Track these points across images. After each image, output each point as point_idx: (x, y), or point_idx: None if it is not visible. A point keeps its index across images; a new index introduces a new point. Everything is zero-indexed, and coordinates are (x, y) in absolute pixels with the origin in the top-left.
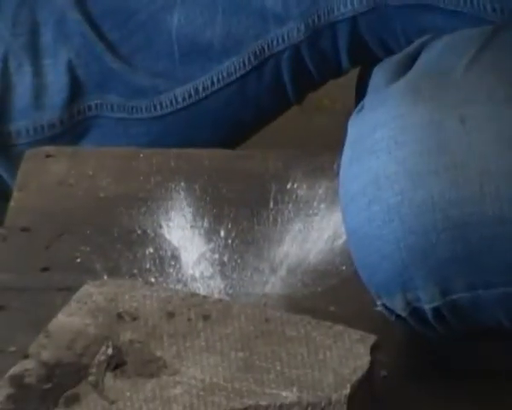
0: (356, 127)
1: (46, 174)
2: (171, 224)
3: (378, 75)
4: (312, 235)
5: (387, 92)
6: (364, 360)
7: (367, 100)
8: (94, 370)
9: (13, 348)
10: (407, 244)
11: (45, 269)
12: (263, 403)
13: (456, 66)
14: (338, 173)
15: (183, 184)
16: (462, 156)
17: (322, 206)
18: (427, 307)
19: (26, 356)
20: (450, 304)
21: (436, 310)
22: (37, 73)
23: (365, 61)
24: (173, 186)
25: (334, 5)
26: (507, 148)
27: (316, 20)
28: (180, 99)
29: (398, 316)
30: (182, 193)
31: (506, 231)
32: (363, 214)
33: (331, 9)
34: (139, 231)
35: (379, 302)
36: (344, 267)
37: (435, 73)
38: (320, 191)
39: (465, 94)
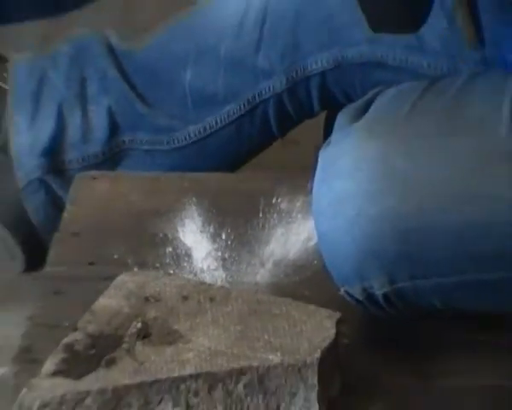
0: (325, 157)
1: (92, 192)
2: (185, 229)
3: (342, 118)
4: (292, 238)
5: (349, 131)
6: (331, 332)
7: (333, 136)
8: (127, 339)
9: (66, 324)
10: (363, 247)
11: (91, 263)
12: (254, 364)
13: (402, 109)
14: (311, 191)
15: (194, 199)
16: (406, 179)
17: (299, 216)
18: (378, 293)
19: (75, 329)
20: (396, 291)
21: (386, 296)
22: (85, 116)
23: (332, 106)
24: (187, 201)
25: (308, 63)
26: (445, 173)
27: (294, 74)
28: (192, 135)
29: (357, 300)
30: (193, 206)
31: (437, 236)
32: (329, 224)
33: (305, 66)
34: (161, 235)
35: (342, 289)
36: (316, 262)
37: (385, 115)
38: (297, 204)
39: (409, 130)
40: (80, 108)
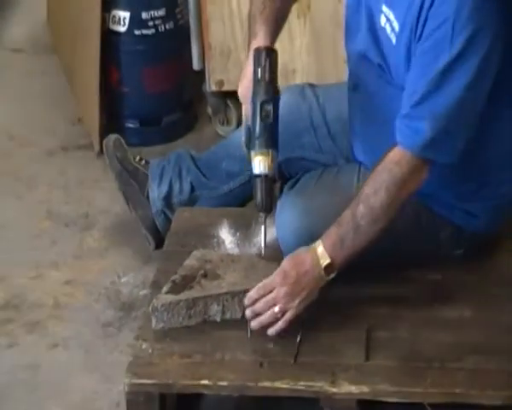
0: (279, 204)
1: (183, 217)
2: (222, 235)
3: (286, 187)
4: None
5: (287, 194)
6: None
7: (282, 195)
8: (197, 278)
9: (174, 277)
10: (290, 241)
11: (183, 245)
12: (249, 287)
13: (311, 183)
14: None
15: (225, 220)
16: (309, 214)
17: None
18: None
19: (175, 273)
20: None
21: None
22: (181, 185)
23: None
24: (223, 221)
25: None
26: (326, 210)
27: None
28: (226, 190)
29: None
30: (226, 223)
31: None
32: (281, 228)
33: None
34: (212, 235)
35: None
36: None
37: (303, 187)
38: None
39: (313, 194)
40: (179, 181)
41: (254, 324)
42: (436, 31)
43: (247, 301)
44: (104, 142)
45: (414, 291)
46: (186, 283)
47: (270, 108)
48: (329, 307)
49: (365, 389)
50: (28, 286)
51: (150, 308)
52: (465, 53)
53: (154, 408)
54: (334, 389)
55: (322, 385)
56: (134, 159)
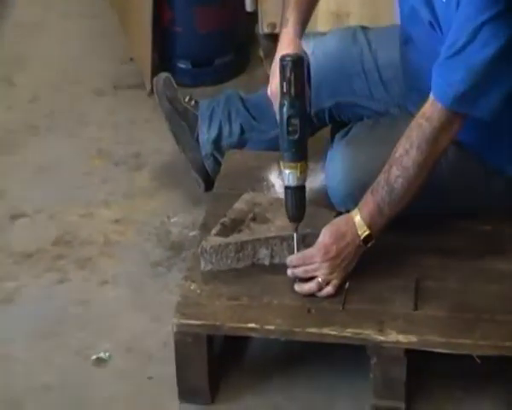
0: (330, 152)
1: (232, 158)
2: (272, 179)
3: (337, 136)
4: (316, 181)
5: (339, 143)
6: (332, 216)
7: (333, 144)
8: (246, 222)
9: (223, 220)
10: (344, 188)
11: (231, 189)
12: (300, 233)
13: (363, 133)
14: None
15: (275, 164)
16: (361, 164)
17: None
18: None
19: (224, 216)
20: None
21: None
22: (230, 127)
23: (335, 123)
24: (273, 165)
25: (323, 103)
26: (377, 161)
27: (317, 108)
28: (273, 134)
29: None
30: (276, 166)
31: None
32: (332, 177)
33: (322, 105)
34: (262, 178)
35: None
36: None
37: (355, 137)
38: (319, 166)
39: (366, 143)
40: (228, 124)
41: (298, 288)
42: None
43: (288, 261)
44: (154, 80)
45: (465, 242)
46: (235, 225)
47: (296, 122)
48: (378, 255)
49: (413, 338)
50: (79, 223)
51: (199, 250)
52: (509, 12)
53: (201, 349)
54: (382, 338)
55: (369, 333)
56: (184, 99)
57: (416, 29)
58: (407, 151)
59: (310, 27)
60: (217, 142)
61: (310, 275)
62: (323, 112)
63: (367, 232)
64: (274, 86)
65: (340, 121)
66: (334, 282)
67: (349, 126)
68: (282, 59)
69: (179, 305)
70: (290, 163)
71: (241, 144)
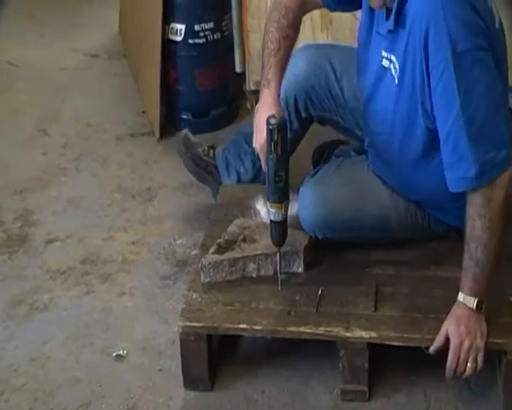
0: (302, 189)
1: (227, 194)
2: (257, 206)
3: (306, 177)
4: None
5: (308, 181)
6: (307, 238)
7: (304, 181)
8: (238, 242)
9: (219, 241)
10: (312, 221)
11: (226, 215)
12: (281, 251)
13: (328, 175)
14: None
15: (260, 195)
16: (328, 201)
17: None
18: (320, 237)
19: (219, 238)
20: (328, 237)
21: (324, 238)
22: (242, 165)
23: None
24: (258, 195)
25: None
26: (344, 199)
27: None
28: None
29: (317, 238)
30: (261, 196)
31: (338, 220)
32: (302, 211)
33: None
34: (252, 209)
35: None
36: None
37: (321, 177)
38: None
39: (331, 183)
40: (242, 165)
41: (451, 375)
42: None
43: (448, 372)
44: (176, 145)
45: (414, 256)
46: (229, 245)
47: (282, 173)
48: (345, 268)
49: (374, 334)
50: (102, 246)
51: (199, 265)
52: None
53: (202, 346)
54: (349, 334)
55: (338, 331)
56: (203, 153)
57: (372, 111)
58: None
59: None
60: (238, 183)
61: (465, 361)
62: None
63: (475, 301)
64: (260, 141)
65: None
66: (481, 355)
67: (317, 169)
68: (269, 123)
69: (184, 310)
70: (277, 204)
71: (257, 175)
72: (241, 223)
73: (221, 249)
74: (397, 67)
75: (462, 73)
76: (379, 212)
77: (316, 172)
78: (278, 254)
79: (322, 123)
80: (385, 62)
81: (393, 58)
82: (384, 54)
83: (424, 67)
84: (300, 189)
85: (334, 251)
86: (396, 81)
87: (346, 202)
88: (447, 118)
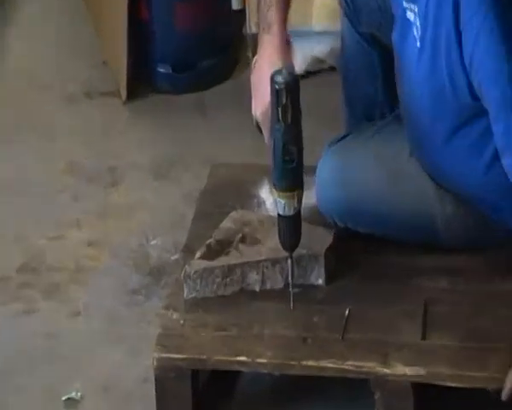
0: (320, 161)
1: (220, 177)
2: (262, 194)
3: (328, 143)
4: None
5: (327, 150)
6: (330, 237)
7: (325, 149)
8: (234, 243)
9: (209, 241)
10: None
11: (219, 206)
12: (294, 255)
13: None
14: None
15: (266, 178)
16: (348, 179)
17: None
18: (340, 225)
19: (210, 237)
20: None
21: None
22: None
23: None
24: (264, 179)
25: None
26: (368, 177)
27: None
28: None
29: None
30: (267, 180)
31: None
32: (320, 190)
33: None
34: (255, 198)
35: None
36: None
37: (344, 145)
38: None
39: (355, 155)
40: None
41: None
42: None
43: (504, 397)
44: None
45: (474, 264)
46: (222, 248)
47: (293, 149)
48: (381, 277)
49: (421, 371)
50: (48, 247)
51: (182, 275)
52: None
53: (185, 386)
54: (387, 370)
55: (373, 365)
56: None
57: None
58: None
59: (304, 24)
60: None
61: None
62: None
63: None
64: (261, 107)
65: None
66: None
67: (344, 134)
68: (275, 81)
69: (160, 337)
70: (286, 192)
71: None
72: (240, 217)
73: (212, 253)
74: (418, 24)
75: (508, 27)
76: (419, 208)
77: (340, 139)
78: (290, 261)
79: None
80: (409, 14)
81: (416, 9)
82: (406, 4)
83: (452, 25)
84: (318, 163)
85: (366, 254)
86: (418, 43)
87: (373, 189)
88: (491, 90)
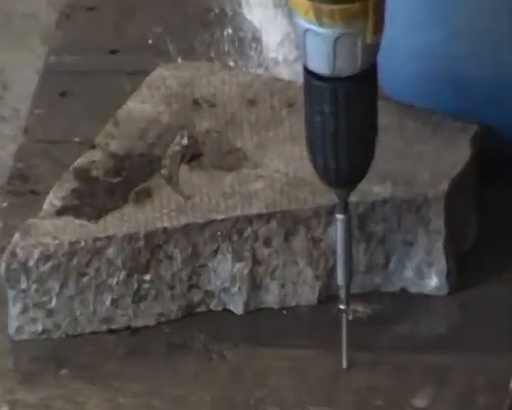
0: None
1: None
2: (251, 1)
3: None
4: None
5: None
6: (466, 153)
7: None
8: (167, 162)
9: (77, 139)
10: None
11: (113, 51)
12: (353, 200)
13: None
14: None
15: None
16: None
17: None
18: None
19: (92, 147)
20: None
21: None
22: None
23: None
24: None
25: None
26: None
27: None
28: None
29: None
30: None
31: None
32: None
33: None
34: (217, 10)
35: None
36: None
37: None
38: None
39: None
40: None
41: None
42: None
43: None
44: None
45: None
46: (127, 178)
47: None
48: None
49: None
50: None
51: (5, 259)
52: None
53: None
54: None
55: None
56: None
57: None
58: None
59: None
60: None
61: None
62: None
63: None
64: None
65: None
66: None
67: None
68: None
69: None
70: None
71: None
72: (179, 83)
73: (86, 201)
74: None
75: None
76: None
77: None
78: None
79: None
80: None
81: None
82: None
83: None
84: None
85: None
86: None
87: None
88: None
